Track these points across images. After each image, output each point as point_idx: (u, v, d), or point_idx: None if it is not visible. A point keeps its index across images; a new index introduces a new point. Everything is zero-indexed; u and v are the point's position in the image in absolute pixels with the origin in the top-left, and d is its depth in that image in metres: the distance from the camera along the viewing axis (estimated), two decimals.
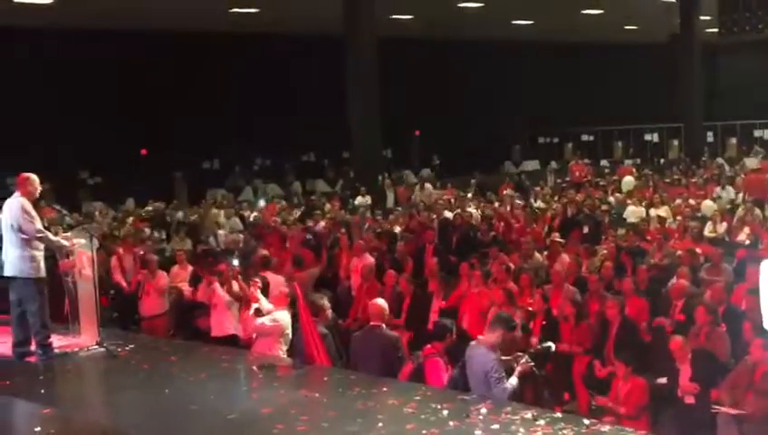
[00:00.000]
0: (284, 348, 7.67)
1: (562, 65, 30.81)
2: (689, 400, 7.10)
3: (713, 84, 31.53)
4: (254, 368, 7.14)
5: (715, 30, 25.31)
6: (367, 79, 20.74)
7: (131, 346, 8.00)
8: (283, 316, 7.66)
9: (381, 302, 7.50)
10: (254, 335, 7.85)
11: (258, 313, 7.70)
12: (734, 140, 29.47)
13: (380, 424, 5.43)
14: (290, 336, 7.63)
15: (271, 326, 7.57)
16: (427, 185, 21.15)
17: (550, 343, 6.60)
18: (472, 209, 15.90)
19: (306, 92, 25.73)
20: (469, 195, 20.17)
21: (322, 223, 14.60)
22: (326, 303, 7.88)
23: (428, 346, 6.84)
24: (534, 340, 9.02)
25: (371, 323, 7.37)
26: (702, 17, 26.40)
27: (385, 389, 6.31)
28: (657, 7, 25.64)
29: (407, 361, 7.19)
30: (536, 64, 30.40)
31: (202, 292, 9.87)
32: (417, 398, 5.95)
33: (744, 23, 23.23)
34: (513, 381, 6.08)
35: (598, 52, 31.47)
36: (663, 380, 7.80)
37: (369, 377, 6.68)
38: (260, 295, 8.03)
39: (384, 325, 7.38)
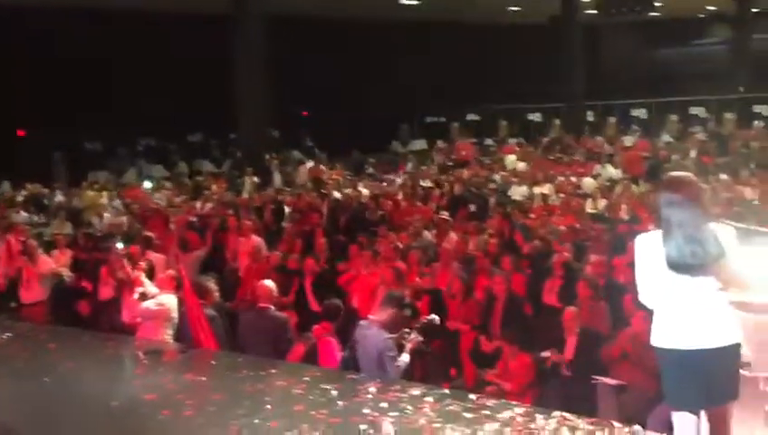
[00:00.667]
0: (170, 332, 7.52)
1: (449, 45, 31.10)
2: (566, 372, 7.32)
3: (593, 65, 32.35)
4: (139, 353, 6.97)
5: (595, 11, 26.08)
6: (254, 58, 20.51)
7: (8, 335, 7.68)
8: (169, 300, 7.51)
9: (269, 283, 7.45)
10: (138, 320, 7.66)
11: (143, 297, 7.52)
12: (612, 120, 30.35)
13: (268, 406, 5.38)
14: (176, 320, 7.48)
15: (156, 310, 7.42)
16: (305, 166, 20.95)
17: (434, 316, 6.65)
18: (362, 189, 15.91)
19: (192, 72, 25.20)
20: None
21: (209, 205, 14.36)
22: (213, 285, 7.75)
23: (317, 326, 6.83)
24: (423, 318, 9.13)
25: (259, 305, 7.30)
26: None
27: (273, 371, 6.26)
28: None
29: (295, 342, 7.16)
30: (423, 44, 30.59)
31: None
32: (306, 379, 5.92)
33: (622, 4, 23.95)
34: (405, 358, 6.11)
35: (483, 32, 31.88)
36: (547, 353, 8.01)
37: (258, 359, 6.61)
38: (144, 279, 7.85)
39: (272, 306, 7.32)
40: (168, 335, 7.51)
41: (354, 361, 6.08)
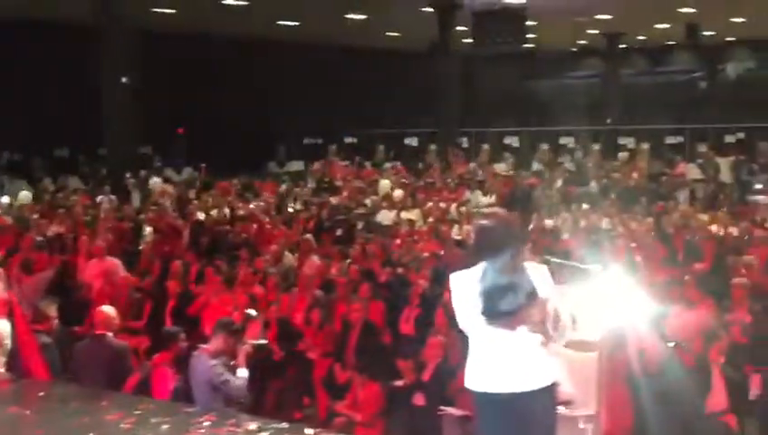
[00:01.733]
0: (3, 360, 7.05)
1: (328, 68, 31.11)
2: (420, 401, 7.24)
3: (469, 93, 32.91)
4: None
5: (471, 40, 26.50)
6: (121, 72, 19.93)
7: None
8: (2, 325, 7.03)
9: (107, 309, 7.09)
10: None
11: None
12: (486, 146, 30.88)
13: None
14: (8, 347, 7.02)
15: None
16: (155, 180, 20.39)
17: (262, 341, 6.52)
18: (226, 210, 15.57)
19: (59, 85, 24.35)
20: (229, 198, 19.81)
21: (66, 223, 13.73)
22: (52, 310, 7.34)
23: (157, 355, 6.53)
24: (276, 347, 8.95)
25: (96, 332, 6.94)
26: (459, 27, 27.50)
27: (104, 403, 5.92)
28: (417, 16, 26.43)
29: (134, 371, 6.82)
30: (303, 66, 30.51)
31: None
32: (138, 412, 5.62)
33: (496, 35, 24.41)
34: (243, 372, 5.93)
35: (363, 56, 32.07)
36: (399, 382, 7.92)
37: (91, 391, 6.26)
38: None
39: (110, 334, 6.97)
40: (1, 365, 7.04)
41: (187, 391, 5.85)
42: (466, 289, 4.05)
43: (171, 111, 27.01)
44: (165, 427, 5.27)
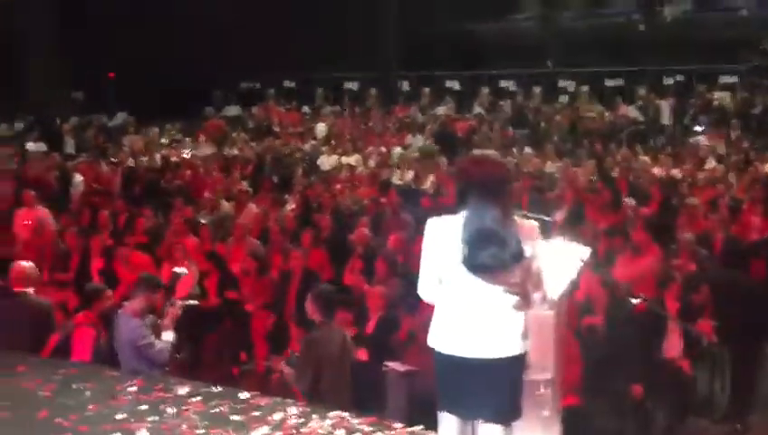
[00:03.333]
0: None
1: (266, 10, 30.25)
2: (363, 356, 6.94)
3: (409, 35, 32.36)
4: None
5: None
6: (47, 17, 19.10)
7: None
8: None
9: (25, 264, 6.58)
10: None
11: None
12: (427, 90, 30.49)
13: (7, 413, 4.64)
14: None
15: None
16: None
17: (192, 301, 6.15)
18: (157, 156, 14.99)
19: None
20: (163, 140, 19.19)
21: None
22: None
23: (80, 314, 6.10)
24: (213, 298, 8.57)
25: (15, 289, 6.45)
26: None
27: (21, 368, 5.49)
28: None
29: (57, 331, 6.36)
30: (237, 8, 29.59)
31: None
32: (59, 377, 5.21)
33: None
34: (168, 336, 5.56)
35: None
36: None
37: (6, 354, 5.82)
38: None
39: (31, 290, 6.49)
40: None
41: (111, 352, 5.46)
42: (445, 236, 3.63)
43: (101, 56, 26.02)
44: (87, 393, 4.89)
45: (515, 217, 3.64)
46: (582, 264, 3.94)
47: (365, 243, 9.06)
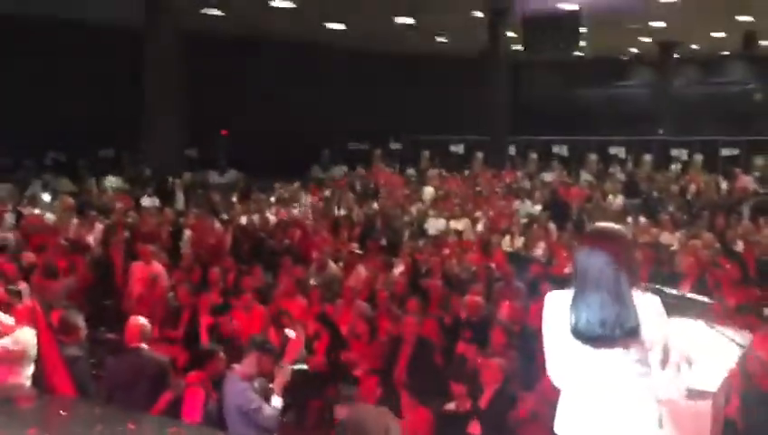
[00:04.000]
0: (28, 373, 6.58)
1: (375, 73, 30.72)
2: (476, 430, 6.65)
3: (518, 100, 32.28)
4: None
5: (521, 47, 25.90)
6: (166, 73, 19.75)
7: None
8: (27, 335, 6.56)
9: (139, 319, 6.56)
10: None
11: None
12: (534, 155, 30.21)
13: None
14: (33, 357, 6.56)
15: (12, 351, 6.45)
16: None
17: (303, 366, 5.99)
18: (270, 215, 15.11)
19: (104, 85, 24.27)
20: (272, 199, 19.42)
21: (100, 226, 13.33)
22: (80, 321, 6.84)
23: (192, 373, 6.02)
24: (321, 361, 8.43)
25: (131, 345, 6.45)
26: (509, 33, 26.90)
27: (132, 426, 5.41)
28: (467, 21, 25.88)
29: (170, 388, 6.30)
30: (349, 71, 30.15)
31: None
32: None
33: (547, 41, 23.78)
34: (276, 402, 5.40)
35: (410, 62, 31.59)
36: (451, 405, 7.34)
37: (118, 411, 5.77)
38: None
39: (145, 346, 6.48)
40: (26, 378, 6.57)
41: (220, 415, 5.34)
42: (561, 311, 3.43)
43: (216, 114, 26.80)
44: None
45: (636, 290, 3.39)
46: (741, 351, 3.62)
47: (478, 311, 8.80)
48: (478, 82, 28.70)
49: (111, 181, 23.54)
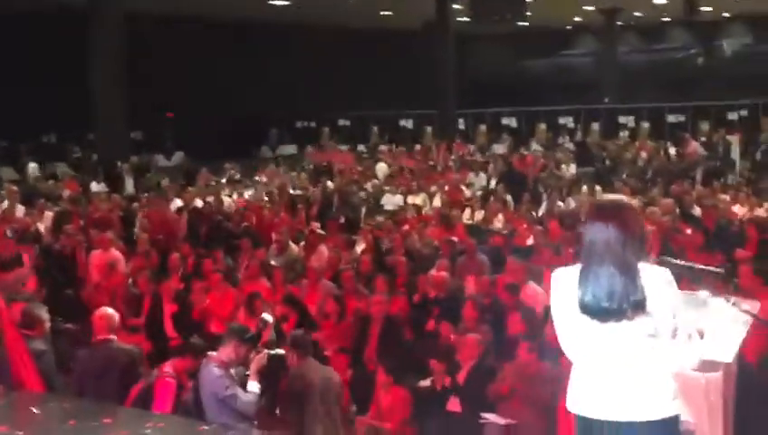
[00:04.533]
0: None
1: (319, 49, 30.38)
2: (454, 407, 6.59)
3: (465, 73, 32.23)
4: None
5: (467, 19, 25.83)
6: (110, 56, 19.34)
7: None
8: None
9: (107, 310, 6.36)
10: None
11: None
12: (483, 127, 30.27)
13: None
14: None
15: None
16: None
17: (279, 351, 5.88)
18: (226, 197, 14.86)
19: (44, 71, 23.68)
20: (223, 180, 19.14)
21: (49, 214, 12.96)
22: (44, 313, 6.60)
23: (167, 363, 5.84)
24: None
25: (101, 337, 6.25)
26: (455, 5, 26.81)
27: (107, 420, 5.23)
28: None
29: (140, 378, 6.12)
30: (292, 47, 29.75)
31: None
32: (147, 431, 4.93)
33: (493, 11, 23.74)
34: (253, 386, 5.29)
35: (354, 37, 31.29)
36: (426, 382, 7.27)
37: (90, 404, 5.58)
38: None
39: (114, 337, 6.29)
40: None
41: (197, 404, 5.21)
42: (569, 287, 3.34)
43: (160, 96, 26.30)
44: None
45: (643, 262, 3.33)
46: (749, 321, 3.57)
47: (445, 287, 8.74)
48: (425, 57, 28.61)
49: (60, 169, 23.06)
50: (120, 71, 19.55)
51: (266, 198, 14.45)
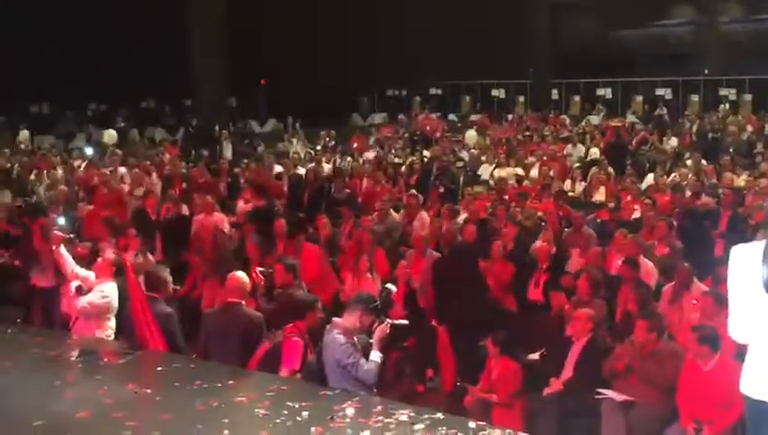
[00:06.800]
0: (112, 327, 6.52)
1: (411, 18, 30.16)
2: (557, 386, 6.47)
3: (558, 43, 31.62)
4: (73, 356, 5.94)
5: None
6: (209, 23, 19.60)
7: None
8: (111, 289, 6.48)
9: (240, 275, 6.43)
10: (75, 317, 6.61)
11: (80, 290, 6.49)
12: (577, 98, 29.71)
13: (226, 431, 4.44)
14: (115, 311, 6.48)
15: (101, 304, 6.38)
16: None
17: (403, 321, 5.83)
18: (324, 164, 14.93)
19: (146, 35, 24.11)
20: (318, 148, 19.27)
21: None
22: (167, 275, 6.72)
23: (291, 325, 5.89)
24: (399, 311, 8.27)
25: (228, 300, 6.35)
26: None
27: (232, 382, 5.31)
28: None
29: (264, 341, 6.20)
30: (385, 16, 29.62)
31: None
32: (271, 394, 4.99)
33: None
34: (375, 356, 5.28)
35: (449, 5, 30.97)
36: (535, 356, 7.19)
37: (213, 366, 5.69)
38: (76, 267, 6.77)
39: (243, 302, 6.38)
40: (109, 331, 6.51)
41: (320, 369, 5.23)
42: (751, 266, 3.20)
43: (254, 63, 26.53)
44: (305, 414, 4.63)
45: None
46: None
47: (549, 259, 8.63)
48: (517, 25, 28.15)
49: (157, 133, 23.57)
50: (219, 38, 19.78)
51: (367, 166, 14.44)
